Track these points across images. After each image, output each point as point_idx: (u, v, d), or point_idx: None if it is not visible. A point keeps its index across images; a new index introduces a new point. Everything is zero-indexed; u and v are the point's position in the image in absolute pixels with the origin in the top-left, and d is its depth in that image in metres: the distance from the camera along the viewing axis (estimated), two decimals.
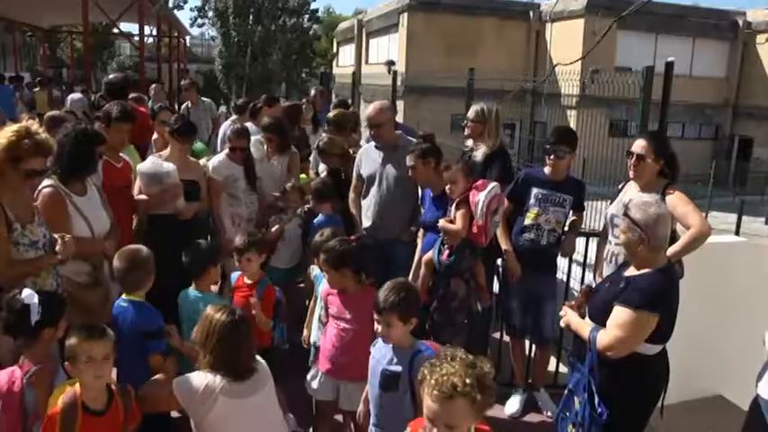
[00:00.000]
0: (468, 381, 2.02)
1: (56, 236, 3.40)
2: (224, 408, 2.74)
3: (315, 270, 4.07)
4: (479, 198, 4.09)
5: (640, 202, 3.08)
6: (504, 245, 4.54)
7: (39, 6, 22.42)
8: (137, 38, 21.97)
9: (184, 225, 4.68)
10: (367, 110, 4.93)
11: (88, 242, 3.71)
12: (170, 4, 18.92)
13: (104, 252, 3.81)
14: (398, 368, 3.00)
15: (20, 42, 33.42)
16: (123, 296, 3.38)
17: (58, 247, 3.36)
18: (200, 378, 2.76)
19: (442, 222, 4.22)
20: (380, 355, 3.08)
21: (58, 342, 3.00)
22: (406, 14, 23.96)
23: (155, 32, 25.95)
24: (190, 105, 8.36)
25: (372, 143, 5.02)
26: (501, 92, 10.48)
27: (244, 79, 18.12)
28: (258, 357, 2.99)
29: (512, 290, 4.60)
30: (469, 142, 5.05)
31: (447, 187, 4.25)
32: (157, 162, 4.70)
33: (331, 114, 6.33)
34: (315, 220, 4.91)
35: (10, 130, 3.25)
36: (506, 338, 4.99)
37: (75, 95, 11.99)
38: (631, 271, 3.16)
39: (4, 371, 2.87)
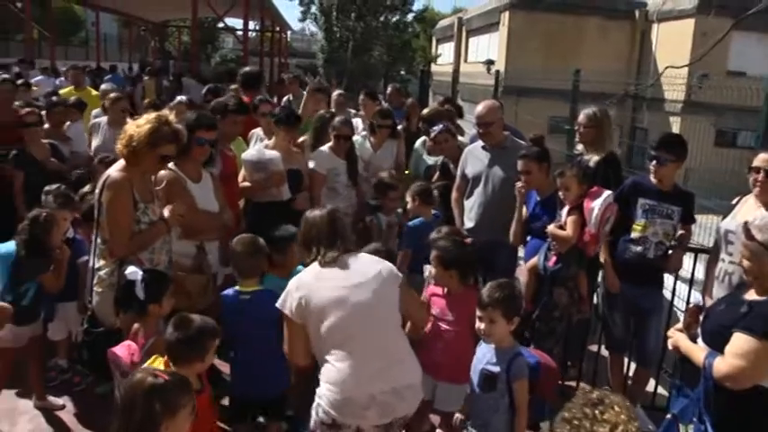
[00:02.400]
0: (637, 425, 1.84)
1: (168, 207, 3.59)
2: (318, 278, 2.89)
3: (428, 269, 4.04)
4: (594, 206, 3.97)
5: (765, 223, 2.87)
6: (604, 256, 4.37)
7: (153, 2, 23.56)
8: (240, 32, 22.67)
9: (287, 213, 4.76)
10: (476, 109, 4.86)
11: (202, 215, 3.89)
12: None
13: (220, 227, 4.02)
14: (497, 369, 3.03)
15: (134, 35, 35.35)
16: (238, 287, 3.45)
17: (166, 213, 3.55)
18: (292, 282, 2.91)
19: (551, 228, 4.13)
20: (482, 354, 3.13)
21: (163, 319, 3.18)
22: (507, 13, 23.53)
23: (258, 27, 26.72)
24: (292, 98, 8.53)
25: (479, 143, 4.95)
26: (602, 95, 10.12)
27: (344, 74, 18.37)
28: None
29: (614, 302, 4.42)
30: (580, 147, 4.89)
31: (560, 193, 4.15)
32: (261, 150, 4.83)
33: (425, 111, 6.30)
34: (410, 223, 4.84)
35: (150, 117, 3.54)
36: (604, 352, 4.81)
37: (192, 84, 12.79)
38: (753, 294, 2.92)
39: (120, 346, 3.12)
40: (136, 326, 3.21)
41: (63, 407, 4.43)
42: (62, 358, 4.78)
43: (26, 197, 5.30)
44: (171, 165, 3.91)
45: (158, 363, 2.81)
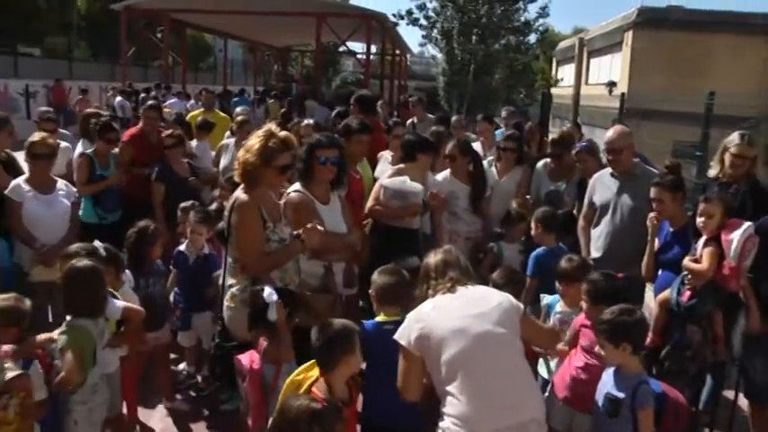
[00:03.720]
0: None
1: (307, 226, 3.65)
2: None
3: (546, 298, 3.96)
4: (733, 237, 3.71)
5: None
6: (746, 293, 4.03)
7: (277, 29, 24.79)
8: (362, 55, 23.29)
9: (411, 238, 4.81)
10: (606, 134, 4.72)
11: (331, 236, 3.94)
12: (403, 23, 19.80)
13: (348, 248, 4.09)
14: (621, 394, 2.98)
15: (259, 60, 37.20)
16: (379, 318, 3.38)
17: (302, 234, 3.61)
18: (411, 314, 2.94)
19: (687, 261, 3.89)
20: (607, 378, 3.10)
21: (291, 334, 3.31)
22: (631, 32, 22.74)
23: (377, 50, 27.28)
24: (416, 121, 8.60)
25: (607, 170, 4.80)
26: (733, 118, 9.52)
27: (464, 97, 18.31)
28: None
29: (757, 346, 4.07)
30: (712, 172, 4.57)
31: (700, 220, 3.91)
32: (407, 181, 4.85)
33: (556, 135, 6.21)
34: (534, 253, 4.71)
35: (257, 135, 3.65)
36: (742, 400, 4.44)
37: (315, 105, 13.36)
38: None
39: (245, 354, 3.31)
40: (263, 340, 3.32)
41: (189, 409, 4.69)
42: (190, 364, 5.06)
43: (166, 212, 5.63)
44: (300, 186, 4.02)
45: (314, 371, 2.93)
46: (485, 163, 5.86)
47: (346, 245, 4.13)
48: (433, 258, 3.11)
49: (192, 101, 16.23)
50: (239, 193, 3.64)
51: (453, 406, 2.73)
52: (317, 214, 3.96)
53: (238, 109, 9.20)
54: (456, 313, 2.85)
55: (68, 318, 3.30)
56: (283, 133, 3.68)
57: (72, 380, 3.15)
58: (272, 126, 3.72)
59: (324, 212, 4.04)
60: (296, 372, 2.99)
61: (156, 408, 4.64)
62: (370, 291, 3.46)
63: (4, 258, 4.52)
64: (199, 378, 4.98)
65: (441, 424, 2.78)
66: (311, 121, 6.39)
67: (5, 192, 4.70)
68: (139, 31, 24.62)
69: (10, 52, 27.70)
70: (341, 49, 27.72)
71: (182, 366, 5.11)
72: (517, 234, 5.07)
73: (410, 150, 5.09)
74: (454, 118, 7.96)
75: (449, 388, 2.76)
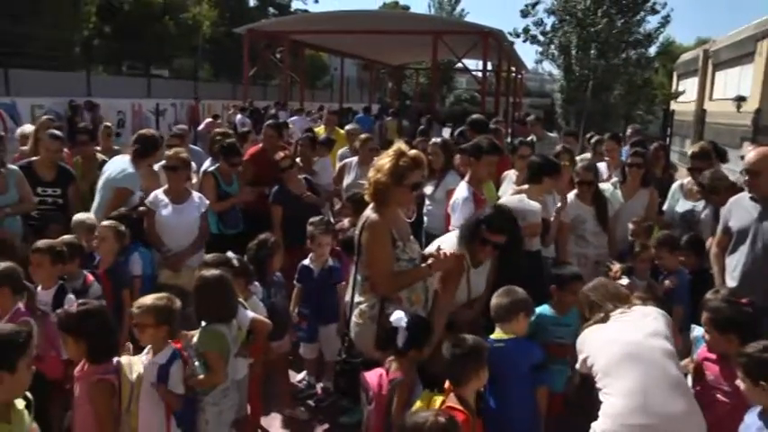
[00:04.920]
0: None
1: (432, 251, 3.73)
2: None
3: (696, 330, 3.79)
4: None
5: None
6: None
7: (392, 47, 25.19)
8: (477, 72, 23.20)
9: (533, 261, 4.70)
10: (746, 155, 4.44)
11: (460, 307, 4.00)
12: (520, 39, 19.51)
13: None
14: None
15: (374, 78, 37.98)
16: (495, 335, 3.51)
17: (431, 259, 3.67)
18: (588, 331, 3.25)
19: None
20: (751, 421, 2.85)
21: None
22: (765, 41, 21.27)
23: (493, 67, 27.12)
24: (535, 140, 8.50)
25: (746, 193, 4.50)
26: None
27: (582, 114, 17.71)
28: None
29: None
30: None
31: None
32: (524, 199, 4.80)
33: (696, 148, 5.85)
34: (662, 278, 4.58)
35: (387, 154, 3.71)
36: None
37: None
38: None
39: (373, 372, 3.35)
40: (390, 358, 3.37)
41: (308, 418, 4.82)
42: (310, 375, 5.20)
43: (284, 230, 5.81)
44: (460, 248, 3.97)
45: (437, 398, 3.03)
46: (609, 185, 5.70)
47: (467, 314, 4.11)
48: (586, 297, 3.36)
49: (308, 117, 16.78)
50: (370, 212, 3.70)
51: (607, 407, 2.94)
52: (466, 279, 3.99)
53: (348, 127, 9.11)
54: (615, 331, 3.10)
55: (203, 323, 3.50)
56: (413, 152, 3.73)
57: (218, 381, 3.38)
58: (401, 145, 3.79)
59: (473, 275, 4.04)
60: (416, 404, 3.06)
61: (276, 414, 4.78)
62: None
63: (146, 266, 4.87)
64: (318, 389, 5.11)
65: (593, 425, 2.98)
66: (438, 140, 6.39)
67: (145, 201, 5.16)
68: (260, 52, 25.73)
69: (143, 74, 29.88)
70: (456, 66, 27.70)
71: (301, 376, 5.26)
72: (644, 266, 4.82)
73: (537, 173, 5.00)
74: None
75: (605, 390, 2.97)
